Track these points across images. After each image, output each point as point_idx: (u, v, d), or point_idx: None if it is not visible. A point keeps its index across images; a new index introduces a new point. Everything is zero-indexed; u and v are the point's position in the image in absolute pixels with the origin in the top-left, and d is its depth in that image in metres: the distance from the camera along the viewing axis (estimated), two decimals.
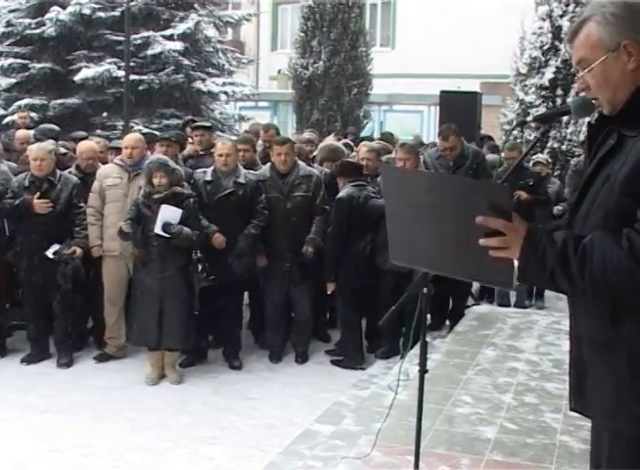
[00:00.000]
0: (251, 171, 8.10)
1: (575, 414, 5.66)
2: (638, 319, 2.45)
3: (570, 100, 3.21)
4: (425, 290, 3.36)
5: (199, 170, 8.03)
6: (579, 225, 2.60)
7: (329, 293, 7.96)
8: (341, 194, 7.84)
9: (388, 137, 13.17)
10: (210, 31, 19.50)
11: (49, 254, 7.51)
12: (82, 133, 11.17)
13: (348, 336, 8.11)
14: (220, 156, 7.76)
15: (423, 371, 3.55)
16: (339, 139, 11.95)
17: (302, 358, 8.16)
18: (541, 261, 2.43)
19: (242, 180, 7.78)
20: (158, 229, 7.09)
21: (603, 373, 2.57)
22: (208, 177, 7.78)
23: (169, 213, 7.13)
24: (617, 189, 2.42)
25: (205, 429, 6.28)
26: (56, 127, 10.82)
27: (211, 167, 7.90)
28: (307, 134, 11.71)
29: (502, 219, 2.43)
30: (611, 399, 2.55)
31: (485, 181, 2.38)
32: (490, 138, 13.06)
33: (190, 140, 9.66)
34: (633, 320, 2.46)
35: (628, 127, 2.49)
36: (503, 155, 9.60)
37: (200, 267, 7.37)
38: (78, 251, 7.60)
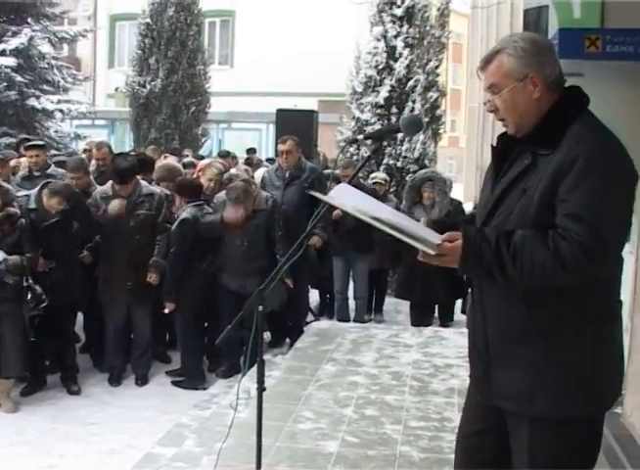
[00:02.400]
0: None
1: (414, 424, 5.82)
2: (551, 312, 2.85)
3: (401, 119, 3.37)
4: (260, 308, 3.38)
5: (20, 194, 7.75)
6: None
7: (166, 312, 7.88)
8: (185, 215, 7.85)
9: (224, 155, 13.32)
10: (45, 47, 18.95)
11: None
12: None
13: (189, 356, 8.04)
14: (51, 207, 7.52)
15: (261, 389, 3.55)
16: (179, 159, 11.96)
17: (142, 381, 8.04)
18: (480, 258, 2.82)
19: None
20: None
21: (518, 363, 2.92)
22: (32, 205, 7.49)
23: None
24: (537, 201, 2.82)
25: (44, 458, 6.06)
26: None
27: (34, 192, 7.61)
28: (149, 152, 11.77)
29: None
30: (529, 386, 2.89)
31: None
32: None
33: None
34: (546, 313, 2.86)
35: (541, 147, 2.88)
36: (338, 172, 9.77)
37: (29, 295, 7.11)
38: None
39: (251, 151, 17.87)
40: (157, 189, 8.26)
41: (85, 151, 12.62)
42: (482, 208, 3.13)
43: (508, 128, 3.05)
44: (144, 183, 8.11)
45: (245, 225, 7.93)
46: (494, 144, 3.18)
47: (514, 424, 3.02)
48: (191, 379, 7.94)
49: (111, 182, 8.01)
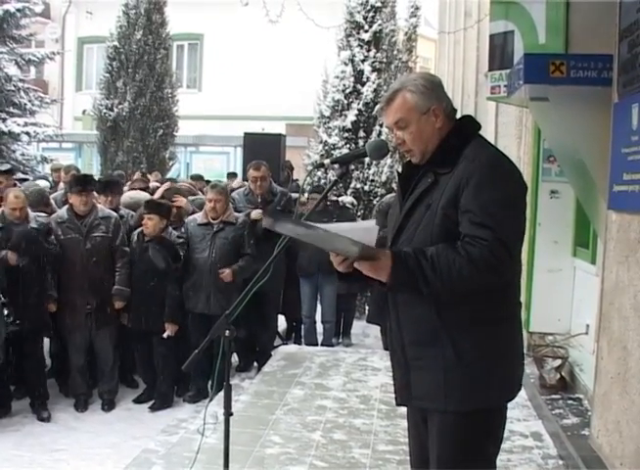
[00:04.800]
0: (40, 214, 7.89)
1: (383, 448, 5.81)
2: (458, 313, 3.14)
3: (367, 143, 3.50)
4: (227, 332, 3.37)
5: None
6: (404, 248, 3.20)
7: (167, 335, 7.87)
8: (181, 240, 8.03)
9: (197, 178, 13.34)
10: (12, 69, 18.86)
11: None
12: None
13: (166, 380, 8.02)
14: (13, 210, 7.46)
15: (228, 414, 3.53)
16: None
17: (109, 406, 7.96)
18: (407, 270, 3.04)
19: (34, 225, 7.56)
20: None
21: (431, 365, 3.21)
22: None
23: None
24: (440, 213, 3.14)
25: None
26: None
27: None
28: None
29: (369, 262, 3.05)
30: (441, 385, 3.19)
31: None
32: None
33: None
34: (454, 314, 3.15)
35: (442, 167, 3.23)
36: (306, 195, 9.79)
37: (6, 312, 7.03)
38: None
39: (232, 175, 17.91)
40: (114, 212, 8.18)
41: (53, 171, 12.59)
42: (392, 226, 3.43)
43: (414, 158, 3.37)
44: (100, 206, 8.08)
45: (213, 238, 7.99)
46: (399, 170, 3.55)
47: (430, 420, 3.34)
48: (162, 401, 7.94)
49: (66, 207, 7.99)
